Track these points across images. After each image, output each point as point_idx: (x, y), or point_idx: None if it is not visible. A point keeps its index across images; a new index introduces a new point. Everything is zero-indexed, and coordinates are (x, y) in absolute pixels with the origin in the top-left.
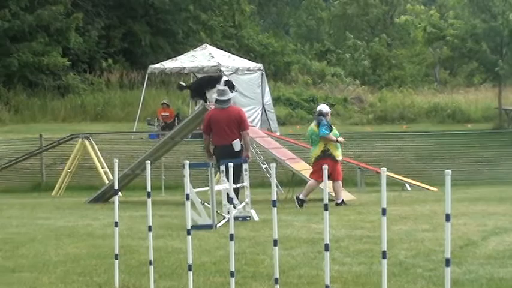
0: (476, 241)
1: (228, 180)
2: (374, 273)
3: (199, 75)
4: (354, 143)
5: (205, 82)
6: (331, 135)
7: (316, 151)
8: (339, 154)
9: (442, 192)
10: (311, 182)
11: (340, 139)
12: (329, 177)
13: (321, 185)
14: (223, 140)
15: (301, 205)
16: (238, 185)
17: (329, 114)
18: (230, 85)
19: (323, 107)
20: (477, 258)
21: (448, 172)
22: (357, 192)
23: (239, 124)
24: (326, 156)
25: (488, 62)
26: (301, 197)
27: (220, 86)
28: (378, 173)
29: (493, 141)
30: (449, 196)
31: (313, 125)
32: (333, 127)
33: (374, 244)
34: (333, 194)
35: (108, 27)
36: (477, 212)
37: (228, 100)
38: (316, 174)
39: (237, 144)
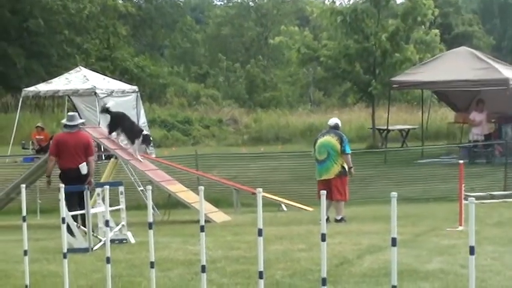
0: (351, 260)
1: (105, 203)
2: None
3: (74, 98)
4: (229, 164)
5: (126, 123)
6: (350, 158)
7: (337, 167)
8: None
9: (317, 212)
10: (342, 203)
11: (353, 171)
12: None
13: (196, 206)
14: (70, 163)
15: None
16: (79, 212)
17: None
18: (148, 139)
19: (338, 120)
20: (352, 276)
21: (323, 192)
22: (233, 213)
23: (86, 149)
24: (345, 173)
25: (361, 82)
26: (338, 218)
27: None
28: (253, 193)
29: (367, 161)
30: (324, 215)
31: (330, 138)
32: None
33: (251, 264)
34: (212, 215)
35: None
36: (352, 231)
37: (76, 125)
38: (345, 194)
39: (83, 168)
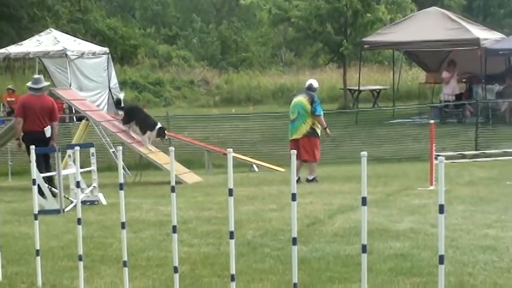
0: (322, 219)
1: (75, 165)
2: (222, 253)
3: (44, 60)
4: (201, 125)
5: (140, 115)
6: (323, 119)
7: (305, 127)
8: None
9: (288, 173)
10: (313, 164)
11: (329, 132)
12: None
13: (168, 167)
14: (35, 125)
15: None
16: (50, 174)
17: (317, 90)
18: (163, 132)
19: (314, 82)
20: (323, 236)
21: (294, 152)
22: (205, 174)
23: (50, 113)
24: (315, 134)
25: (332, 43)
26: (310, 178)
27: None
28: (224, 154)
29: (339, 121)
30: (294, 175)
31: (302, 98)
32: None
33: (222, 225)
34: (183, 176)
35: None
36: (323, 191)
37: (41, 89)
38: (314, 155)
39: (48, 131)
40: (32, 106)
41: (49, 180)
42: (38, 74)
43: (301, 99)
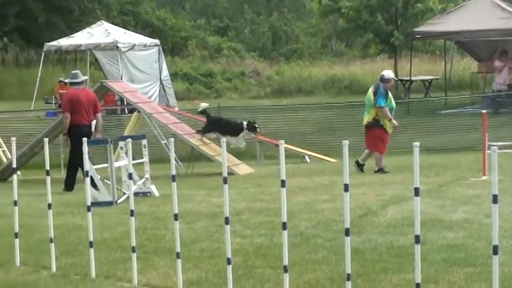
0: (375, 210)
1: (128, 157)
2: (275, 244)
3: (96, 52)
4: (252, 116)
5: (223, 124)
6: (386, 111)
7: (368, 118)
8: (388, 125)
9: (340, 163)
10: (377, 154)
11: (394, 123)
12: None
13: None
14: (83, 119)
15: (361, 170)
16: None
17: (391, 81)
18: (253, 127)
19: (386, 72)
20: (376, 227)
21: (346, 142)
22: (257, 165)
23: (95, 106)
24: (378, 125)
25: (383, 33)
26: (375, 169)
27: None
28: (276, 145)
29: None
30: (347, 166)
31: (370, 90)
32: (390, 96)
33: (274, 216)
34: (235, 168)
35: (1, 5)
36: (376, 182)
37: (82, 82)
38: (377, 146)
39: (94, 126)
40: (79, 100)
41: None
42: (90, 67)
43: (370, 89)
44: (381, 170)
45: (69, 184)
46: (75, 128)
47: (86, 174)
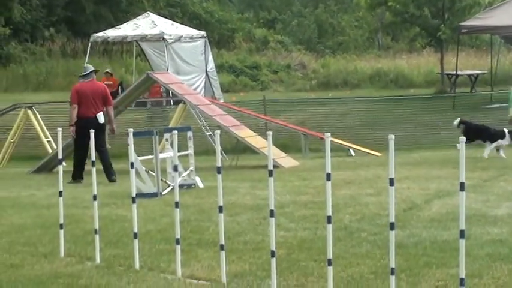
0: (419, 204)
1: (173, 148)
2: (319, 238)
3: (142, 44)
4: (298, 109)
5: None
6: None
7: None
8: None
9: (385, 157)
10: None
11: None
12: None
13: (264, 151)
14: (88, 111)
15: None
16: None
17: None
18: None
19: None
20: (421, 221)
21: (392, 137)
22: (301, 158)
23: (104, 99)
24: None
25: (430, 27)
26: None
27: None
28: (321, 138)
29: (436, 106)
30: (392, 160)
31: None
32: None
33: (319, 209)
34: (280, 160)
35: None
36: (420, 176)
37: (89, 74)
38: None
39: (100, 117)
40: (84, 92)
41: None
42: (136, 58)
43: None
44: None
45: (77, 176)
46: (80, 121)
47: (131, 165)
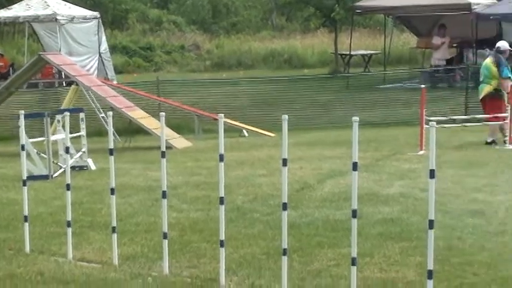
0: (312, 185)
1: (65, 130)
2: (211, 219)
3: (34, 24)
4: (191, 90)
5: None
6: (507, 84)
7: (488, 88)
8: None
9: (278, 138)
10: (493, 125)
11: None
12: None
13: (157, 132)
14: None
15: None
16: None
17: (507, 52)
18: None
19: (502, 44)
20: (313, 201)
21: (285, 117)
22: (195, 139)
23: None
24: (498, 96)
25: (324, 7)
26: (488, 140)
27: None
28: (215, 119)
29: (329, 86)
30: (285, 141)
31: (488, 61)
32: (509, 68)
33: (211, 190)
34: (173, 141)
35: None
36: (313, 156)
37: None
38: (498, 118)
39: None
40: None
41: None
42: (28, 39)
43: (487, 61)
44: (493, 142)
45: None
46: None
47: (22, 148)
